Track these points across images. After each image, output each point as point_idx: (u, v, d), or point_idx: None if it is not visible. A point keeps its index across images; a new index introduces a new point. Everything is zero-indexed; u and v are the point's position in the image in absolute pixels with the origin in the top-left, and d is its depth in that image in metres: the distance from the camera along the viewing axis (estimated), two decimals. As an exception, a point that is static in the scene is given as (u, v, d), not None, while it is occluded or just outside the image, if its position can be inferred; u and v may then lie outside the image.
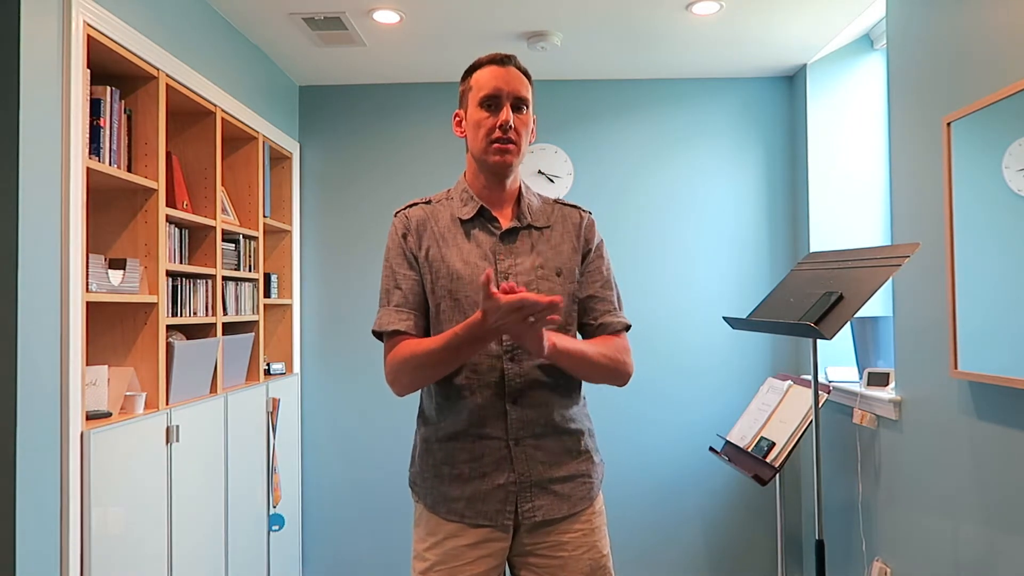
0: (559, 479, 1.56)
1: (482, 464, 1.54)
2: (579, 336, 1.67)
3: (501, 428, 1.53)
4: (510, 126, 1.54)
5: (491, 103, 1.56)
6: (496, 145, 1.55)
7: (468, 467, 1.54)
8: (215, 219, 2.86)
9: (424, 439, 1.62)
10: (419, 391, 1.62)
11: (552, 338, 1.42)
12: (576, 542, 1.57)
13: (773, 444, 2.89)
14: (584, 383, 1.65)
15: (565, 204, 1.69)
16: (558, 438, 1.58)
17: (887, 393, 2.79)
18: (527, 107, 1.59)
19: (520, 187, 1.65)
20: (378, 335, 1.59)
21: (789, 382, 3.15)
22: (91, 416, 2.17)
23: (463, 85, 1.63)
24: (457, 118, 1.64)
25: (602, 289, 1.65)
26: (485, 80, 1.57)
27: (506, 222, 1.61)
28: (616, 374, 1.59)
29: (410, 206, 1.64)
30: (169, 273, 2.57)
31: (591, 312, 1.64)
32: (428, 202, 1.65)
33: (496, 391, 1.53)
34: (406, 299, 1.57)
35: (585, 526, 1.59)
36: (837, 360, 3.45)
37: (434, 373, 1.51)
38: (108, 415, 2.23)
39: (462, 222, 1.60)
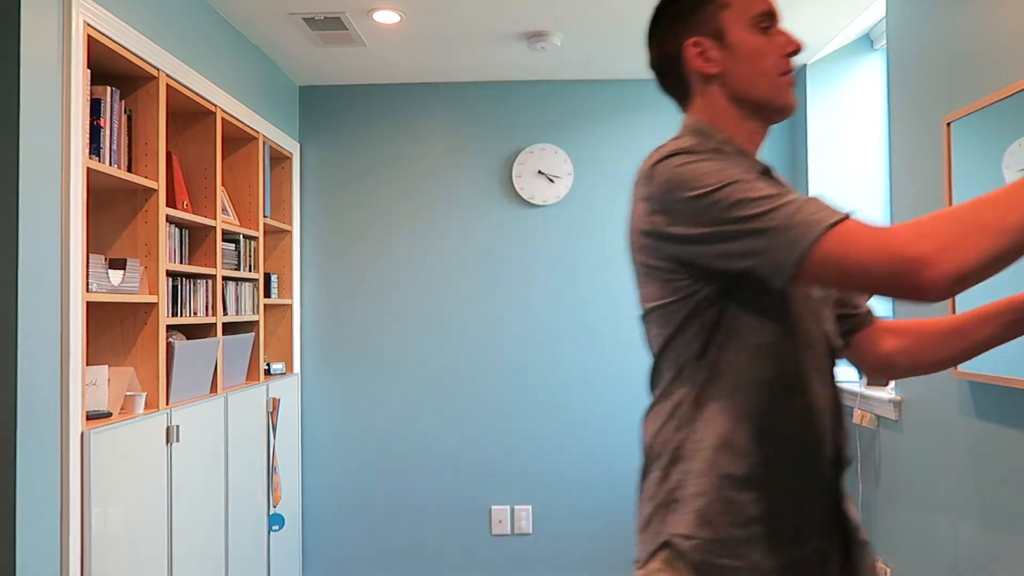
0: (857, 523, 1.16)
1: (805, 518, 1.10)
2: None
3: (828, 463, 1.12)
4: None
5: (768, 22, 1.15)
6: (788, 79, 1.14)
7: (790, 524, 1.08)
8: (215, 219, 2.86)
9: (725, 479, 1.08)
10: (713, 397, 1.10)
11: None
12: None
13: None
14: None
15: None
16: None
17: (887, 393, 2.79)
18: None
19: None
20: (824, 232, 0.94)
21: (789, 382, 3.15)
22: (91, 416, 2.17)
23: (707, 4, 1.16)
24: (699, 47, 1.15)
25: None
26: None
27: None
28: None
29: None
30: (169, 273, 2.57)
31: (846, 304, 1.27)
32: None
33: (828, 406, 1.13)
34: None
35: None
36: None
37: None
38: (108, 415, 2.23)
39: None
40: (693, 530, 1.08)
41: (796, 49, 1.14)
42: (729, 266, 1.02)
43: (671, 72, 1.20)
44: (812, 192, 3.56)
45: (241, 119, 3.13)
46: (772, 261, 0.97)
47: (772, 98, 1.14)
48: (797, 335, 1.10)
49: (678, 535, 1.09)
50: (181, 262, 2.73)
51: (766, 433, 1.08)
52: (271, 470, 3.37)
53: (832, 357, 1.16)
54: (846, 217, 0.94)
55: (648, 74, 3.79)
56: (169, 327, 2.66)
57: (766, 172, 1.15)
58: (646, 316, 1.18)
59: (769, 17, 1.14)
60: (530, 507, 3.81)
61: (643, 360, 3.78)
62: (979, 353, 1.19)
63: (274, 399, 3.44)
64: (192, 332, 2.85)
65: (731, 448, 1.08)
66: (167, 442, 2.47)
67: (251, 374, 3.30)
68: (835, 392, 1.15)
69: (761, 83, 1.13)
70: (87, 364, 2.29)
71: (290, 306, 3.77)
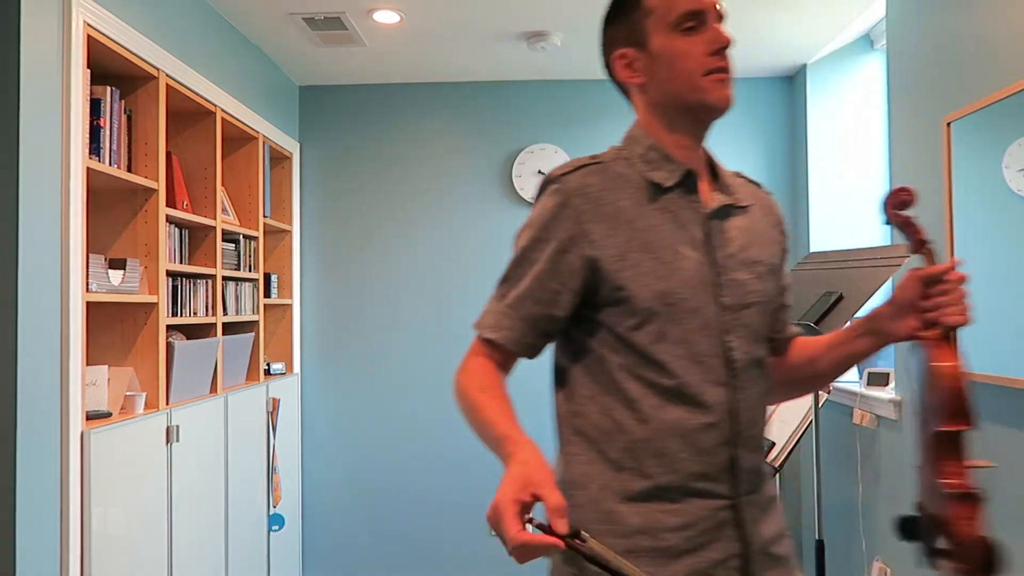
0: (777, 538, 1.18)
1: (697, 532, 1.09)
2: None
3: (726, 481, 1.10)
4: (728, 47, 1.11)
5: (693, 22, 1.10)
6: (715, 76, 1.10)
7: (678, 536, 1.09)
8: (215, 219, 2.86)
9: (603, 490, 1.11)
10: (585, 406, 1.17)
11: None
12: None
13: (773, 444, 2.89)
14: None
15: (751, 181, 1.27)
16: (765, 482, 1.18)
17: (887, 393, 2.79)
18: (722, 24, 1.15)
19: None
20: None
21: (789, 382, 3.15)
22: (91, 416, 2.17)
23: (632, 13, 1.14)
24: (624, 58, 1.15)
25: (788, 295, 1.30)
26: None
27: (706, 195, 1.16)
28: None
29: (576, 169, 1.13)
30: (169, 273, 2.57)
31: (777, 323, 1.26)
32: (599, 163, 1.15)
33: (723, 430, 1.10)
34: (523, 303, 1.14)
35: None
36: (837, 360, 3.45)
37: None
38: (108, 415, 2.23)
39: (660, 191, 1.13)
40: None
41: (722, 45, 1.10)
42: None
43: (615, 83, 1.21)
44: (813, 193, 3.56)
45: (241, 119, 3.13)
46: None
47: (696, 101, 1.11)
48: (648, 353, 1.11)
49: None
50: (181, 262, 2.73)
51: (639, 444, 1.10)
52: (271, 470, 3.37)
53: (733, 367, 1.11)
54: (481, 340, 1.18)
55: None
56: (169, 327, 2.66)
57: (688, 177, 1.14)
58: None
59: (694, 16, 1.10)
60: (530, 507, 3.80)
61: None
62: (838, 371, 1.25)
63: (274, 399, 3.44)
64: (192, 332, 2.85)
65: (602, 456, 1.14)
66: (167, 442, 2.46)
67: (251, 374, 3.30)
68: (734, 401, 1.11)
69: (680, 86, 1.11)
70: (87, 364, 2.29)
71: (290, 306, 3.77)
